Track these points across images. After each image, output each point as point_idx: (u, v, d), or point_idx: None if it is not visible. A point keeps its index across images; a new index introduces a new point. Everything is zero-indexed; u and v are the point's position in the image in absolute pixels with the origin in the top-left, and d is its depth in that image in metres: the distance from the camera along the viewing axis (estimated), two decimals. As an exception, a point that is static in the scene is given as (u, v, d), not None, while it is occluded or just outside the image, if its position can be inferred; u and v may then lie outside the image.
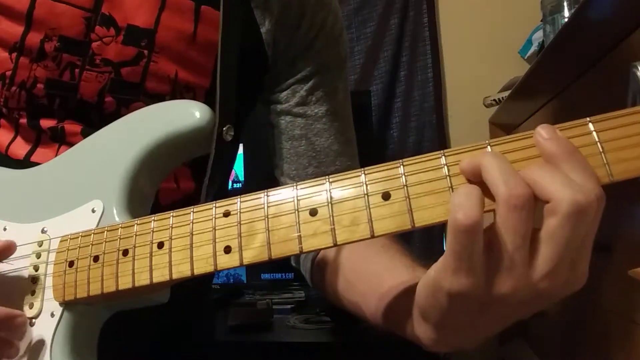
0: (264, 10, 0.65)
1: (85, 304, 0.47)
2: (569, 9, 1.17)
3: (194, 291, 0.68)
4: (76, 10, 0.58)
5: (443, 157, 0.35)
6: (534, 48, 1.54)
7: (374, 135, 1.71)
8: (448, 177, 0.35)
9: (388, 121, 1.80)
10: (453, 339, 0.40)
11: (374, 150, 1.71)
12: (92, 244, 0.46)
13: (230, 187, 1.68)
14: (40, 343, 0.47)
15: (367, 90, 1.74)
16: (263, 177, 0.75)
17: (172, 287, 0.59)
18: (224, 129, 0.56)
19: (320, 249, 0.38)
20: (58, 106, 0.59)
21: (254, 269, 1.63)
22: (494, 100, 1.49)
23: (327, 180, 0.38)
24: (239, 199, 0.40)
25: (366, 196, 0.36)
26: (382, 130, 1.79)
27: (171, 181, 0.62)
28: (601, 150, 0.33)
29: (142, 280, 0.42)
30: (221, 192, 0.64)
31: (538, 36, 1.51)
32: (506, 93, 1.40)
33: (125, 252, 0.44)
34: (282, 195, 0.39)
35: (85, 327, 0.48)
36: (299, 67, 0.69)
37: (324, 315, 1.36)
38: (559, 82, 0.97)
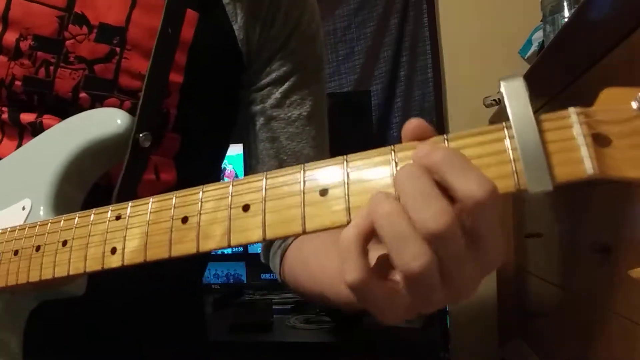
0: (235, 5, 0.65)
1: (9, 293, 0.51)
2: (569, 9, 1.17)
3: (178, 291, 0.68)
4: (50, 10, 0.59)
5: (392, 152, 0.34)
6: (534, 48, 1.54)
7: (374, 135, 1.70)
8: (393, 161, 0.34)
9: (388, 121, 1.80)
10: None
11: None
12: (15, 240, 0.50)
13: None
14: None
15: (367, 90, 1.74)
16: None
17: (157, 284, 0.58)
18: (141, 135, 0.55)
19: (186, 255, 0.39)
20: (37, 102, 0.60)
21: (254, 269, 1.63)
22: (494, 100, 1.50)
23: (230, 184, 0.38)
24: (129, 205, 0.43)
25: (302, 194, 0.35)
26: (382, 130, 1.79)
27: (151, 173, 0.62)
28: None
29: (47, 274, 0.46)
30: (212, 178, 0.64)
31: (538, 36, 1.51)
32: (506, 93, 1.40)
33: (38, 248, 0.48)
34: (163, 204, 0.41)
35: (10, 314, 0.53)
36: (274, 67, 0.68)
37: (324, 315, 1.36)
38: (559, 82, 0.97)
